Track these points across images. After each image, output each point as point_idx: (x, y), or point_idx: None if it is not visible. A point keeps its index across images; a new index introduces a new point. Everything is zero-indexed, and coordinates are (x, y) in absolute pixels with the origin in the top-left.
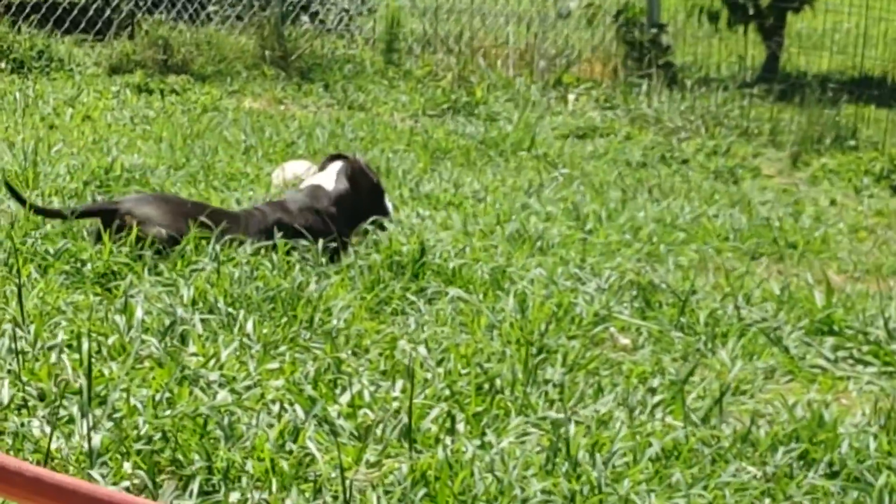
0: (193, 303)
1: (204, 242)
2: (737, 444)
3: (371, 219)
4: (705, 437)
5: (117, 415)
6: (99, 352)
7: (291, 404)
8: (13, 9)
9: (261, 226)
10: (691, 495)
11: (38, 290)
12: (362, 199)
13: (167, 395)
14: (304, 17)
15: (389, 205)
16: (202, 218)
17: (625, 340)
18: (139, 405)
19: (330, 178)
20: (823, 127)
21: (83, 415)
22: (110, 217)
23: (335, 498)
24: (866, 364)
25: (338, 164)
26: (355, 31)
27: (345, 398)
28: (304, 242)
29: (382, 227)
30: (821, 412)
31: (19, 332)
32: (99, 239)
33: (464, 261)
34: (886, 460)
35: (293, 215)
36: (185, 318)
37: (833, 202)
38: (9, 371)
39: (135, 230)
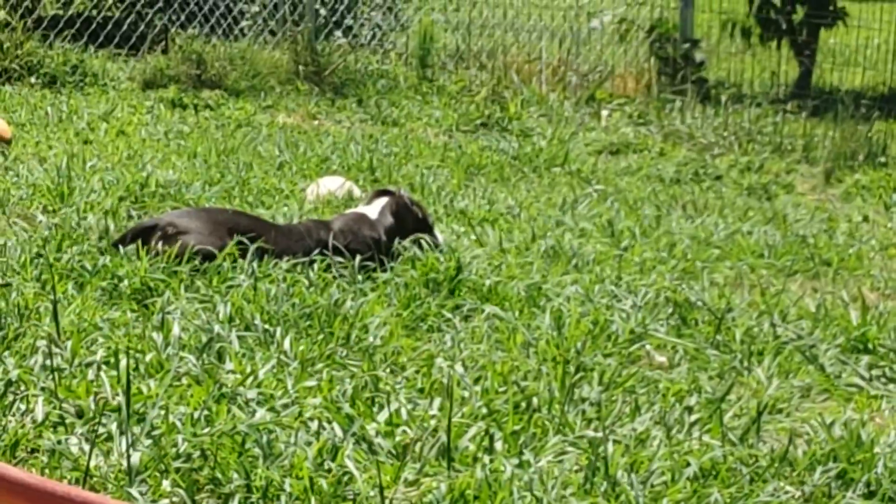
0: (230, 319)
1: (240, 258)
2: (775, 464)
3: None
4: (743, 456)
5: (156, 432)
6: (136, 369)
7: (329, 422)
8: (44, 23)
9: (302, 240)
10: None
11: (74, 306)
12: (408, 232)
13: (205, 412)
14: (338, 33)
15: (440, 236)
16: (244, 228)
17: (661, 358)
18: (178, 423)
19: (375, 211)
20: (856, 143)
21: (122, 432)
22: (150, 232)
23: None
24: None
25: (384, 200)
26: (388, 47)
27: (383, 416)
28: (341, 260)
29: (434, 246)
30: (858, 431)
31: (55, 349)
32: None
33: (499, 278)
34: None
35: (336, 235)
36: (221, 335)
37: (866, 219)
38: (42, 388)
39: (178, 245)
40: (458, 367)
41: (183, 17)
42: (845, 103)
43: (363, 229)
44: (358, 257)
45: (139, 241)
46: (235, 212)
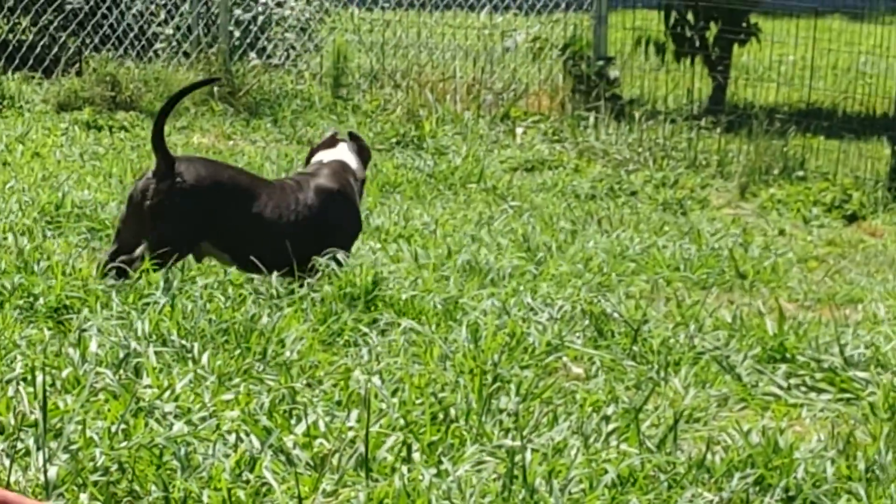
0: (147, 335)
1: (156, 274)
2: (692, 471)
3: None
4: (660, 463)
5: (73, 447)
6: (53, 385)
7: (247, 434)
8: None
9: (299, 194)
10: None
11: None
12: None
13: (123, 426)
14: (252, 54)
15: None
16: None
17: (578, 370)
18: (95, 437)
19: (351, 159)
20: (771, 158)
21: (39, 447)
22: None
23: None
24: (820, 391)
25: (345, 145)
26: (303, 67)
27: (300, 428)
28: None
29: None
30: (775, 438)
31: None
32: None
33: (416, 292)
34: (845, 485)
35: (330, 179)
36: (138, 350)
37: (782, 232)
38: None
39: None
40: (376, 380)
41: (97, 40)
42: (759, 119)
43: (349, 177)
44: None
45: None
46: (239, 170)
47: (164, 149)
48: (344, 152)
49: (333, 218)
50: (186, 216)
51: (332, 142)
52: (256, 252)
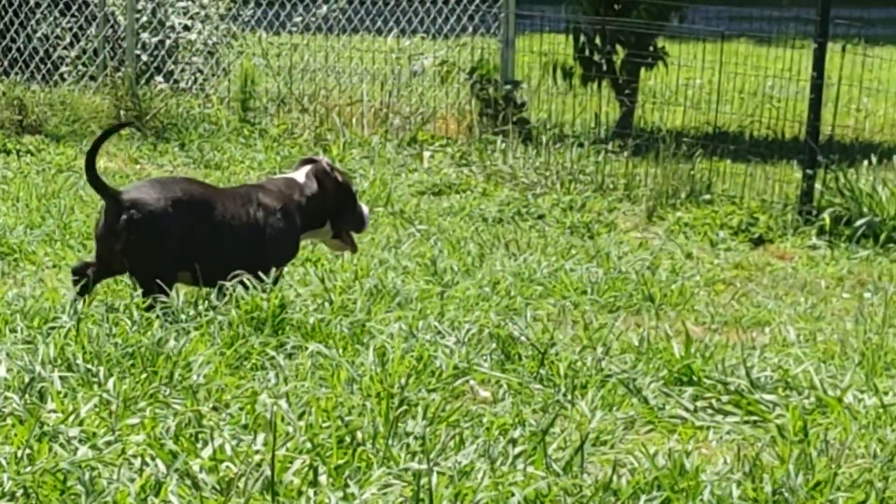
0: (52, 360)
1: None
2: (599, 493)
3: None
4: (567, 486)
5: None
6: None
7: (153, 458)
8: None
9: (247, 203)
10: None
11: None
12: (329, 197)
13: (28, 451)
14: (159, 78)
15: (365, 208)
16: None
17: (485, 393)
18: (2, 461)
19: (301, 175)
20: (678, 181)
21: None
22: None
23: None
24: (726, 414)
25: (308, 167)
26: (210, 91)
27: (206, 452)
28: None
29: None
30: (682, 461)
31: None
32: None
33: (323, 316)
34: None
35: (272, 196)
36: (43, 375)
37: (689, 255)
38: None
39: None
40: (283, 403)
41: (5, 64)
42: (666, 142)
43: (294, 193)
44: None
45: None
46: (189, 180)
47: (104, 189)
48: (299, 173)
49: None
50: (156, 246)
51: (300, 164)
52: (215, 264)
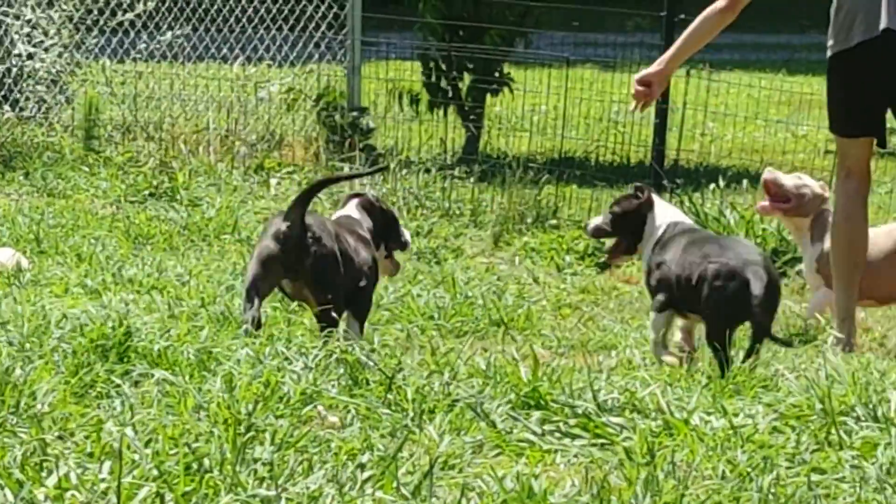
0: None
1: None
2: None
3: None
4: None
5: None
6: None
7: (2, 488)
8: None
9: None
10: None
11: None
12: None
13: None
14: (6, 107)
15: (406, 232)
16: None
17: (333, 418)
18: None
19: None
20: (524, 206)
21: None
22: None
23: None
24: (574, 437)
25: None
26: (54, 120)
27: (52, 481)
28: None
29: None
30: (530, 483)
31: None
32: None
33: (169, 343)
34: None
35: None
36: None
37: (536, 280)
38: None
39: None
40: (129, 431)
41: None
42: (513, 168)
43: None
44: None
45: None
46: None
47: None
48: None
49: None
50: None
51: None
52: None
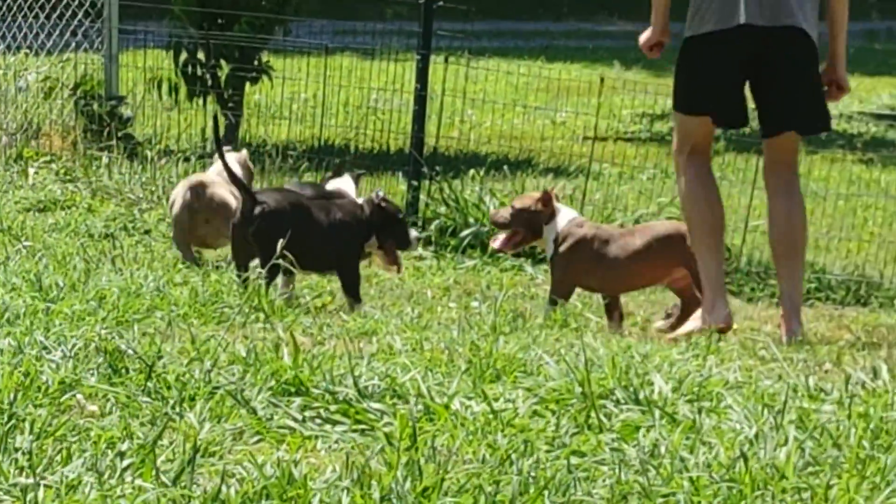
0: None
1: None
2: (208, 503)
3: None
4: (176, 497)
5: None
6: None
7: None
8: None
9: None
10: None
11: None
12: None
13: None
14: None
15: (413, 232)
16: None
17: (92, 407)
18: None
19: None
20: None
21: None
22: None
23: None
24: (335, 423)
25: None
26: None
27: None
28: None
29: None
30: (290, 470)
31: None
32: None
33: None
34: None
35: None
36: None
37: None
38: None
39: None
40: None
41: None
42: (272, 156)
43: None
44: None
45: None
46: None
47: None
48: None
49: None
50: None
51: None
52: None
